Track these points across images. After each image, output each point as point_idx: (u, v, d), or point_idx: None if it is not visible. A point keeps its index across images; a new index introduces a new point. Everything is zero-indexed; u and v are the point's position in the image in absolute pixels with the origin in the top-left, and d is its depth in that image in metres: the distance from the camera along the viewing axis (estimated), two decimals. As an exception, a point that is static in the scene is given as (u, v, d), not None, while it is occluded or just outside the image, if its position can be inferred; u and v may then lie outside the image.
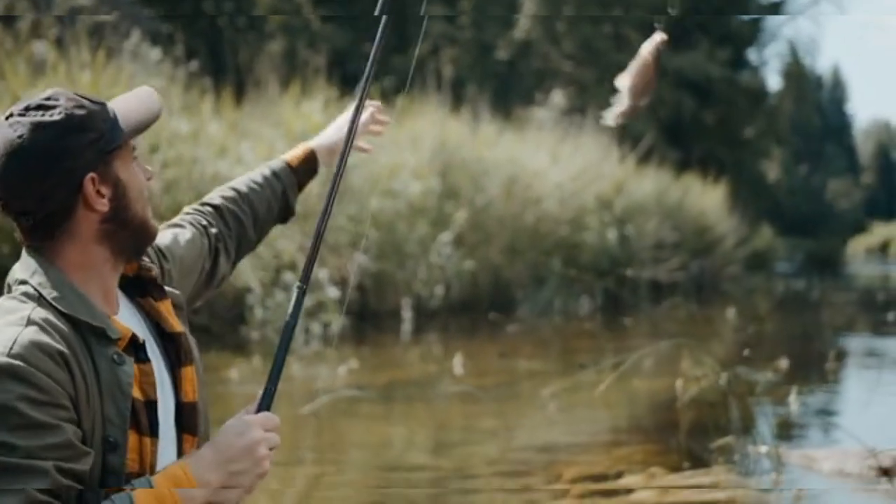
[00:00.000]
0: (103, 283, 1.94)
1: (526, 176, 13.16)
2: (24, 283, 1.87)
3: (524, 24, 24.46)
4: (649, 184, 16.80)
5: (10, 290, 1.89)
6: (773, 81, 62.97)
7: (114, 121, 1.91)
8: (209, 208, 2.42)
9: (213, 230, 2.38)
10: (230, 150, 10.36)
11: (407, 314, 10.83)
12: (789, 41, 48.49)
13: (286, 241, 9.96)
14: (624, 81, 2.70)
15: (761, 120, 31.25)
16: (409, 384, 7.89)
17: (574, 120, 17.13)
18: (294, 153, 2.60)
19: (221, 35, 22.49)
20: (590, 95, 22.70)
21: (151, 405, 1.91)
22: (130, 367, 1.87)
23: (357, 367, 8.06)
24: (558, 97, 22.50)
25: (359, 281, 10.50)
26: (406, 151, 11.79)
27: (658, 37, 2.68)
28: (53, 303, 1.84)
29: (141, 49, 15.49)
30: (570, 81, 23.90)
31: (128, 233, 1.94)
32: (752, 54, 33.78)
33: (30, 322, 1.79)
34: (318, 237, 2.15)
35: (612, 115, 2.70)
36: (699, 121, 27.09)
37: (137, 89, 2.05)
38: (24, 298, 1.84)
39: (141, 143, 9.05)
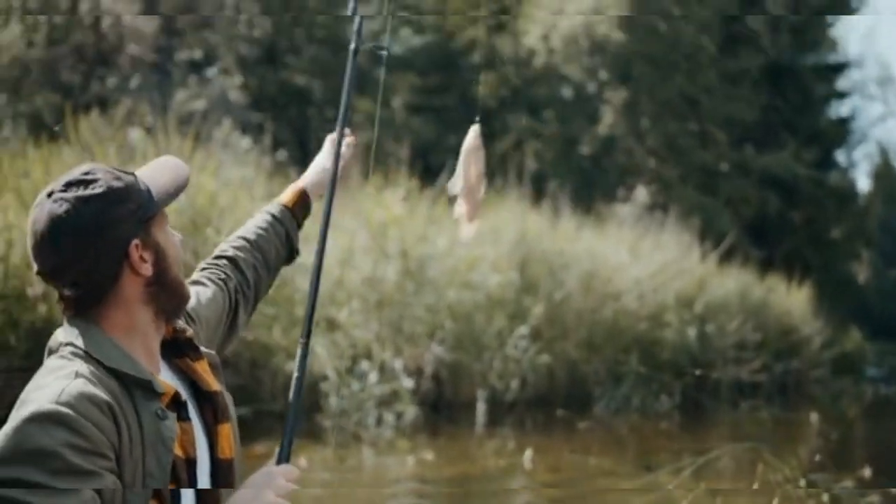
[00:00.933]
0: (147, 345, 2.01)
1: (605, 271, 13.10)
2: (69, 344, 1.93)
3: (608, 120, 24.57)
4: (732, 282, 16.58)
5: (51, 353, 1.96)
6: (863, 182, 62.20)
7: (147, 190, 2.00)
8: (224, 261, 2.49)
9: (232, 283, 2.46)
10: (311, 240, 10.49)
11: (481, 406, 10.76)
12: (879, 142, 48.01)
13: (362, 330, 10.00)
14: (457, 186, 2.70)
15: (849, 221, 30.77)
16: (480, 478, 7.81)
17: (655, 217, 17.06)
18: (288, 195, 2.66)
19: (309, 124, 22.97)
20: (673, 193, 22.62)
21: (191, 463, 1.97)
22: (173, 422, 1.93)
23: (429, 458, 8.02)
24: (641, 193, 22.49)
25: (434, 371, 10.47)
26: (486, 244, 11.83)
27: (473, 132, 2.69)
28: (99, 358, 1.90)
29: (231, 138, 15.90)
30: (653, 178, 23.88)
31: (168, 294, 2.03)
32: (840, 155, 33.44)
33: (77, 375, 1.85)
34: (315, 288, 2.33)
35: (465, 231, 2.70)
36: (785, 220, 26.75)
37: (162, 159, 2.14)
38: (70, 356, 1.91)
39: (224, 231, 9.21)
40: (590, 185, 22.98)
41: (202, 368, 2.12)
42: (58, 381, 1.83)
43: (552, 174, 20.03)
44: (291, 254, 2.67)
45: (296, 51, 24.91)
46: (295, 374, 2.17)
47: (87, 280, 1.94)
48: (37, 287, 7.63)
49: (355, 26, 2.52)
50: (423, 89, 26.02)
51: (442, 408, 10.58)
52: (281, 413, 9.00)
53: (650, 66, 24.68)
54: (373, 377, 9.55)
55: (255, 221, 2.61)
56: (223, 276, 2.46)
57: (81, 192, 1.93)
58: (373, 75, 26.77)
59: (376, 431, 9.24)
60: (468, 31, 27.50)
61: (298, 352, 2.19)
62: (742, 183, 24.38)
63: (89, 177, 1.96)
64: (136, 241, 1.96)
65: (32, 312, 7.74)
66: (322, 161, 2.73)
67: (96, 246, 1.92)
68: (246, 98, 22.94)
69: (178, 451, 1.93)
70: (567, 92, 26.12)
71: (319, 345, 9.58)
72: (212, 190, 9.29)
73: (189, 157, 9.73)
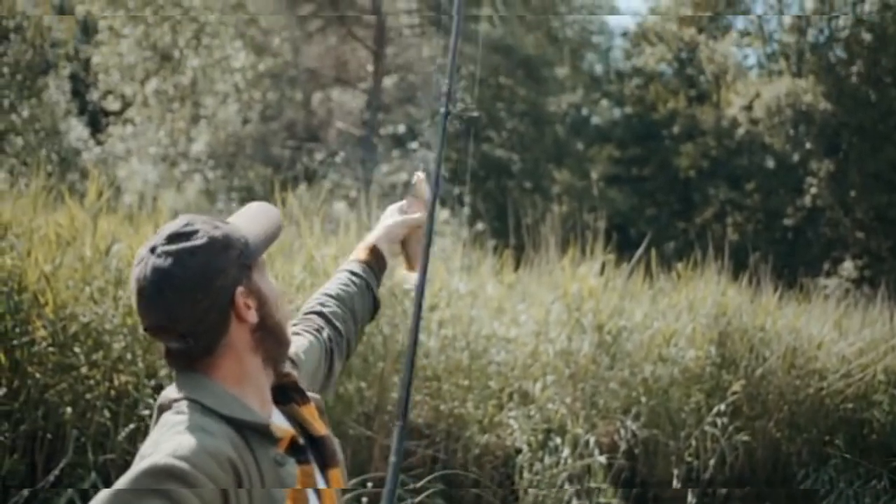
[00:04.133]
0: (259, 392, 2.04)
1: (809, 347, 12.65)
2: (184, 399, 1.96)
3: (813, 191, 23.90)
4: (947, 361, 15.73)
5: (162, 411, 1.99)
6: None
7: (245, 236, 2.04)
8: (314, 315, 2.53)
9: (325, 333, 2.48)
10: (507, 311, 10.59)
11: (677, 485, 10.52)
12: None
13: (556, 403, 9.98)
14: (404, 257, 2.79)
15: None
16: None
17: (863, 291, 16.42)
18: (362, 252, 2.73)
19: (508, 196, 23.25)
20: (883, 266, 21.75)
21: None
22: (293, 467, 1.95)
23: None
24: (848, 267, 21.72)
25: (628, 448, 10.33)
26: (683, 317, 11.65)
27: (417, 178, 2.78)
28: (215, 409, 1.93)
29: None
30: (861, 251, 23.04)
31: (273, 339, 2.06)
32: None
33: (196, 429, 1.87)
34: (410, 366, 2.33)
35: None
36: None
37: (253, 205, 2.19)
38: (186, 410, 1.93)
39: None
40: (793, 258, 22.35)
41: (309, 413, 2.13)
42: (177, 434, 1.85)
43: (754, 246, 19.58)
44: (375, 307, 2.71)
45: (496, 124, 25.34)
46: (392, 459, 2.19)
47: (197, 332, 1.96)
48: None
49: (444, 89, 2.60)
50: (622, 160, 25.95)
51: (637, 486, 10.41)
52: (475, 481, 9.05)
53: (859, 136, 23.93)
54: (566, 452, 9.50)
55: (336, 278, 2.66)
56: (316, 326, 2.48)
57: (185, 244, 1.96)
58: (572, 147, 26.88)
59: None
60: (669, 102, 27.33)
61: (395, 434, 2.22)
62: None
63: (189, 228, 1.99)
64: (240, 289, 1.98)
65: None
66: (385, 219, 2.81)
67: (204, 297, 1.94)
68: (446, 170, 23.46)
69: (294, 495, 1.94)
70: (770, 162, 25.57)
71: (512, 418, 9.61)
72: (410, 262, 9.48)
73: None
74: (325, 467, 2.09)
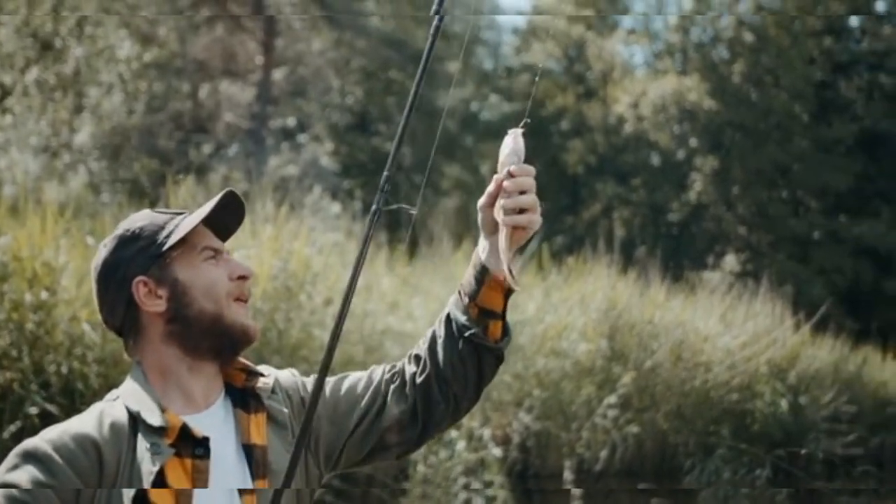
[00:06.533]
0: (182, 385, 1.99)
1: (696, 340, 12.94)
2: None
3: (698, 187, 24.44)
4: (825, 353, 16.26)
5: None
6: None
7: (174, 227, 2.00)
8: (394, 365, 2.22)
9: (385, 376, 2.17)
10: (401, 306, 10.56)
11: (569, 476, 10.66)
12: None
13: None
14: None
15: (947, 291, 29.98)
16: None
17: (747, 285, 16.85)
18: (465, 275, 2.19)
19: (398, 190, 23.25)
20: (764, 261, 22.35)
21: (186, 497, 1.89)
22: (164, 457, 1.87)
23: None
24: (731, 261, 22.26)
25: (521, 440, 10.41)
26: (574, 311, 11.79)
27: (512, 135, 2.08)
28: (122, 397, 1.96)
29: (321, 203, 16.15)
30: (743, 245, 23.66)
31: (197, 330, 1.98)
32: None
33: (88, 413, 1.93)
34: (332, 348, 2.01)
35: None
36: (879, 290, 26.24)
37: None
38: (107, 398, 1.99)
39: (316, 296, 9.30)
40: (678, 252, 22.82)
41: (255, 422, 2.02)
42: (71, 419, 1.93)
43: (640, 241, 19.93)
44: (483, 350, 2.15)
45: (386, 118, 25.33)
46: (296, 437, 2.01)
47: (114, 320, 2.01)
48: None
49: (381, 182, 2.15)
50: (512, 156, 26.15)
51: (529, 477, 10.50)
52: (368, 476, 9.01)
53: (741, 134, 24.54)
54: (460, 445, 9.53)
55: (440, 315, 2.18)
56: (380, 371, 2.20)
57: (106, 240, 2.04)
58: (462, 142, 27.00)
59: (464, 501, 9.20)
60: (557, 98, 27.63)
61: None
62: (835, 252, 23.97)
63: (122, 223, 2.05)
64: (140, 279, 1.96)
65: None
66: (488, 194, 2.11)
67: (109, 287, 2.00)
68: (336, 164, 23.32)
69: (177, 485, 1.88)
70: (656, 159, 26.07)
71: (408, 411, 9.58)
72: (305, 256, 9.41)
73: (283, 224, 9.89)
74: (254, 477, 1.98)
